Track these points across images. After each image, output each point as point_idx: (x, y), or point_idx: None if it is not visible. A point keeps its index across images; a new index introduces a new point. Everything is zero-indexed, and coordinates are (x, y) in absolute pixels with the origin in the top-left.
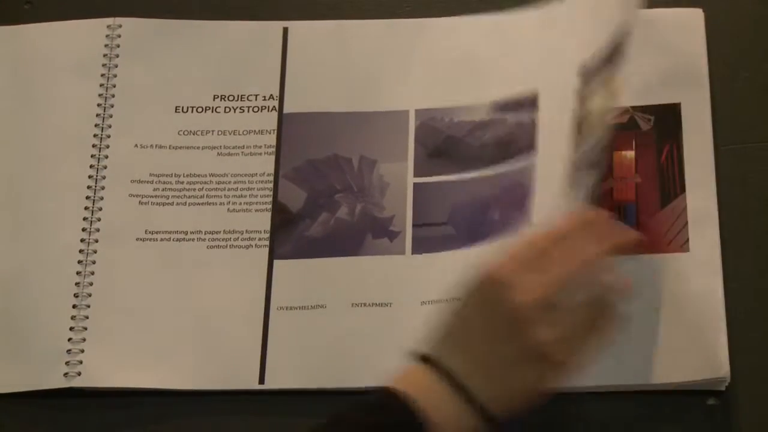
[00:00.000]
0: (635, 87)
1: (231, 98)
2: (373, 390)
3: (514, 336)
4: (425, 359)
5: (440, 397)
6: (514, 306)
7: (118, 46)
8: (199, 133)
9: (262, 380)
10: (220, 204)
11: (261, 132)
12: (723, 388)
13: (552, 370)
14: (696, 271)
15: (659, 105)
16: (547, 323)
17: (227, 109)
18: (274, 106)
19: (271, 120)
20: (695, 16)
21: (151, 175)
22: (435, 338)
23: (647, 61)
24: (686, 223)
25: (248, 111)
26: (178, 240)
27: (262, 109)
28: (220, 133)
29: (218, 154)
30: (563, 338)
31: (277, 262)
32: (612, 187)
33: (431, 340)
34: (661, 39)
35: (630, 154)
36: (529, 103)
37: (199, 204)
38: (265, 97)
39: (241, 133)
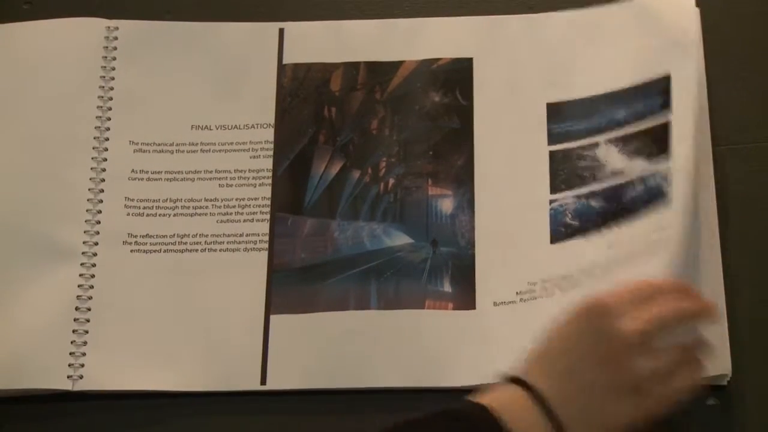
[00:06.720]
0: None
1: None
2: (463, 402)
3: (613, 363)
4: (518, 380)
5: (530, 423)
6: (618, 333)
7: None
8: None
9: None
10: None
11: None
12: (724, 383)
13: (644, 405)
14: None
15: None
16: (646, 356)
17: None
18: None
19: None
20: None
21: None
22: (531, 359)
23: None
24: None
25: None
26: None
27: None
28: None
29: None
30: (659, 374)
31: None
32: None
33: (526, 360)
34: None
35: None
36: None
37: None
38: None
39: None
